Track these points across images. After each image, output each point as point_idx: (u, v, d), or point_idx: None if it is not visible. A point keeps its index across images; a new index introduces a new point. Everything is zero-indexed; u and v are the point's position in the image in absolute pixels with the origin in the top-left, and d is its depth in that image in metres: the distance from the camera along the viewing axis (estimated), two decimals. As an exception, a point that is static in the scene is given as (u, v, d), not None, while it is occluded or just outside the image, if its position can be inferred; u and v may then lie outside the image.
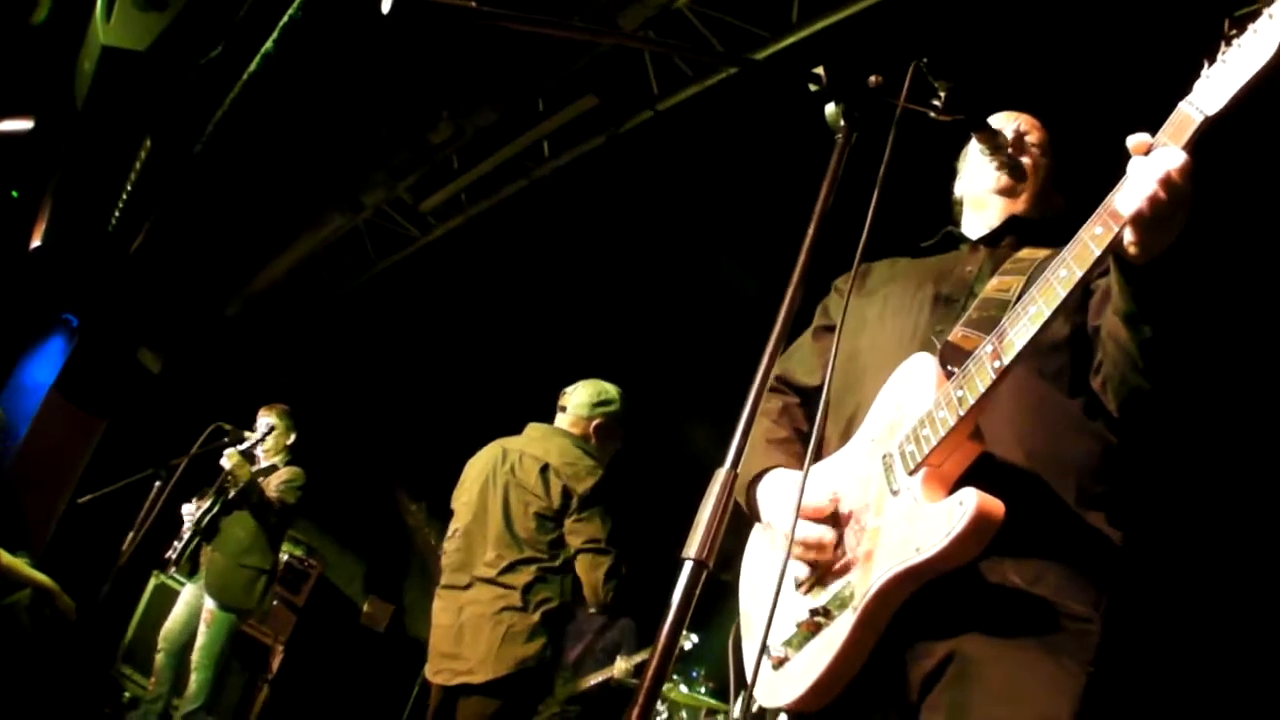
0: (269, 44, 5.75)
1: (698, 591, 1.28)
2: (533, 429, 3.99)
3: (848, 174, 1.53)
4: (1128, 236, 1.47)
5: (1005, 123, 2.05)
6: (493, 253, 6.31)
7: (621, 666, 5.55)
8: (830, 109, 1.59)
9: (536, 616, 3.59)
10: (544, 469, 3.70)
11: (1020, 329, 1.56)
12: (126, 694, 6.41)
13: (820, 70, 1.60)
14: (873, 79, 1.60)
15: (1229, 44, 1.40)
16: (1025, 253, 1.91)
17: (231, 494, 5.33)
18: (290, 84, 5.75)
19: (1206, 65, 1.42)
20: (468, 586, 3.64)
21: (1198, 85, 1.43)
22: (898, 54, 1.67)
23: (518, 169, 5.69)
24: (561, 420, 4.01)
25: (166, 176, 6.50)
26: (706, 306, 5.71)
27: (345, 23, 5.40)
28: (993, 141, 1.97)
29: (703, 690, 5.67)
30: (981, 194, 2.08)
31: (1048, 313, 1.53)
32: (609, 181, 5.55)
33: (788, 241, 1.48)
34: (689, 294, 5.74)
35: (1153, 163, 1.42)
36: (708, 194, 5.37)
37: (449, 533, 4.00)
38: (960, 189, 2.18)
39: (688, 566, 1.28)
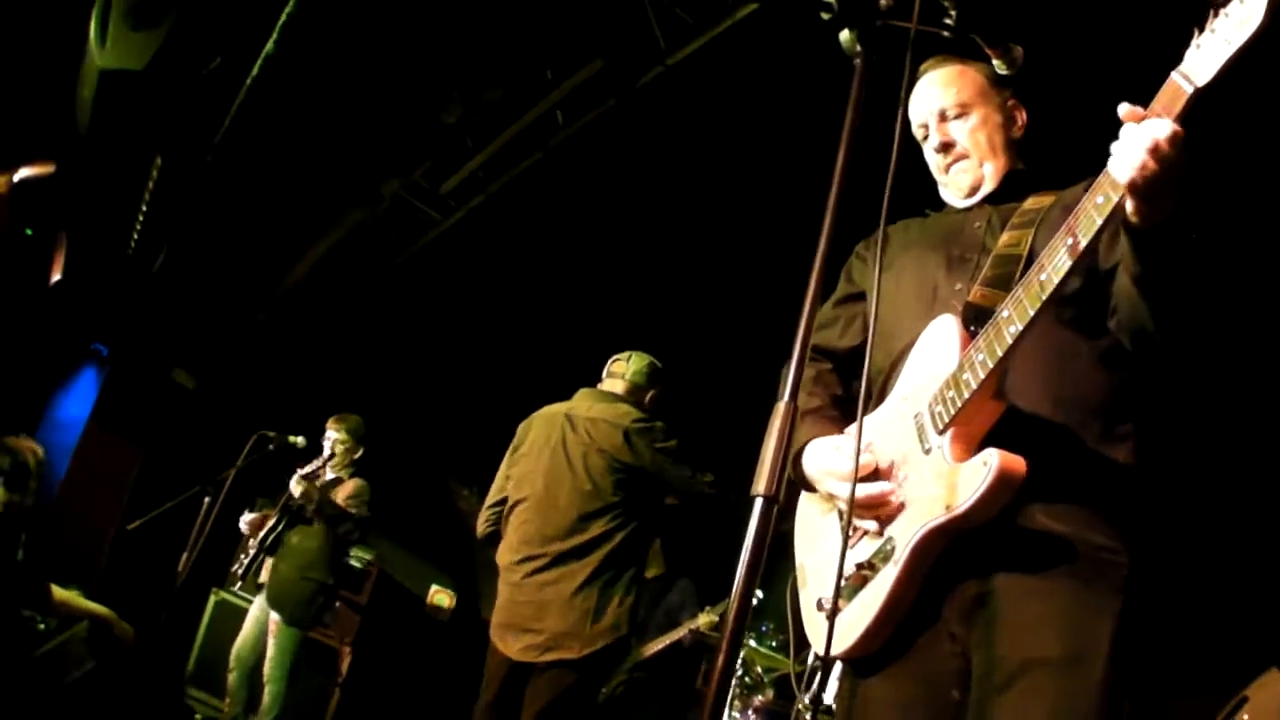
0: (269, 45, 5.70)
1: (771, 526, 1.29)
2: (589, 395, 3.97)
3: (867, 117, 1.54)
4: (1127, 205, 1.49)
5: (917, 116, 2.10)
6: (517, 228, 6.27)
7: (704, 620, 5.53)
8: (845, 36, 1.61)
9: (626, 579, 3.64)
10: (626, 434, 3.71)
11: (1034, 294, 1.62)
12: (198, 717, 6.39)
13: (831, -3, 1.59)
14: (883, 1, 1.60)
15: (1217, 12, 1.39)
16: (1030, 203, 1.94)
17: (307, 510, 5.32)
18: (294, 83, 5.72)
19: (1196, 34, 1.42)
20: (547, 559, 3.63)
21: (1188, 55, 1.43)
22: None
23: (533, 141, 5.64)
24: (614, 386, 4.00)
25: (181, 192, 6.48)
26: (737, 257, 5.65)
27: (343, 14, 5.36)
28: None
29: (773, 644, 5.63)
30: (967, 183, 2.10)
31: (1057, 279, 1.59)
32: (628, 143, 5.50)
33: (816, 176, 1.49)
34: (718, 245, 5.68)
35: (1143, 132, 1.45)
36: (729, 142, 5.30)
37: (501, 500, 3.96)
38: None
39: (758, 503, 1.30)
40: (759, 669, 5.55)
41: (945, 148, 2.06)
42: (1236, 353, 4.29)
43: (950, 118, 2.06)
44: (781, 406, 1.37)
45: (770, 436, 1.35)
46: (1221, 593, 4.78)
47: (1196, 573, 4.64)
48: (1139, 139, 1.45)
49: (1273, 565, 4.59)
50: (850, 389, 2.20)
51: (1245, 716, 3.78)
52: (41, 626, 4.85)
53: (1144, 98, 1.49)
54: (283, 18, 5.54)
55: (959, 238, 2.02)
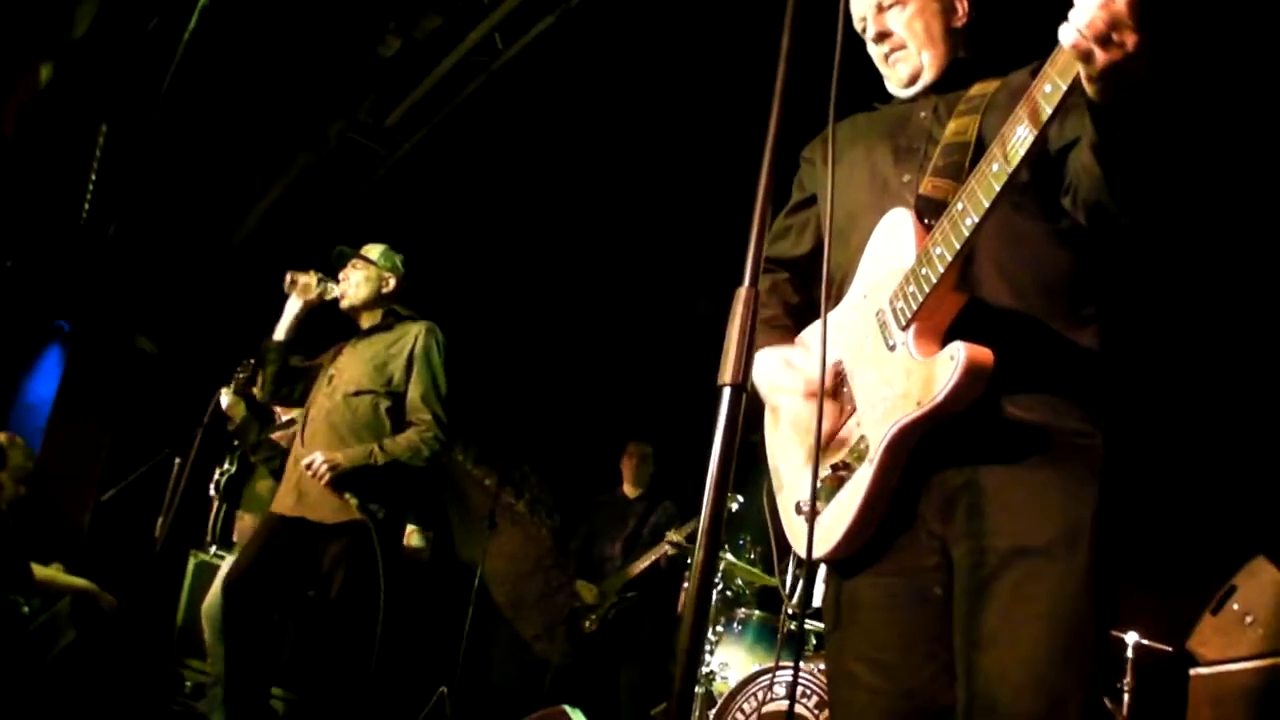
0: (204, -1, 5.65)
1: (741, 415, 1.26)
2: None
3: (809, 15, 1.51)
4: (1084, 74, 1.43)
5: (857, 10, 2.06)
6: (465, 155, 6.24)
7: (673, 537, 5.55)
8: None
9: None
10: None
11: (986, 186, 1.59)
12: (188, 684, 6.35)
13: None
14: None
15: None
16: (976, 89, 1.91)
17: (234, 438, 5.27)
18: (232, 34, 5.67)
19: None
20: None
21: None
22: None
23: (475, 66, 5.61)
24: None
25: (128, 157, 6.43)
26: (689, 164, 5.63)
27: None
28: None
29: (751, 557, 5.62)
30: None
31: (1009, 169, 1.56)
32: (570, 59, 5.47)
33: (764, 73, 1.47)
34: (669, 155, 5.66)
35: None
36: (673, 53, 5.26)
37: None
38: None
39: (725, 392, 1.26)
40: (739, 581, 5.54)
41: (881, 37, 2.03)
42: (1213, 230, 4.25)
43: (886, 7, 2.03)
44: (742, 292, 1.33)
45: (733, 324, 1.31)
46: (1205, 482, 4.77)
47: (1178, 461, 4.63)
48: (1090, 3, 1.38)
49: (1255, 452, 4.58)
50: (807, 295, 2.20)
51: (1235, 605, 3.79)
52: (25, 609, 4.83)
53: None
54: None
55: (905, 128, 2.01)
